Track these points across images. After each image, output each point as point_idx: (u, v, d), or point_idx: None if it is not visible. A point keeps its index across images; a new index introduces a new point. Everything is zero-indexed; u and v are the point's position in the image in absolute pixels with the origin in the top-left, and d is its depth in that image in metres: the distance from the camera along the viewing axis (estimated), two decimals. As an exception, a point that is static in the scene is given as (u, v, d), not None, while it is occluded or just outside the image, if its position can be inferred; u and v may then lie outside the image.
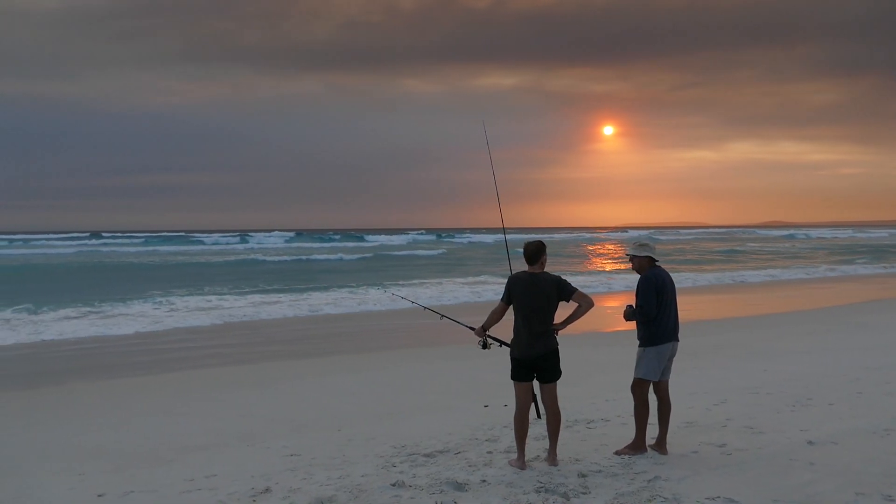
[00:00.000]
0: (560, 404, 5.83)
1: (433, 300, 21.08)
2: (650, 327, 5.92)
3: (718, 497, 4.87)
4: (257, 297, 23.19)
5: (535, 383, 5.87)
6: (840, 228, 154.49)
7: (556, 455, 5.77)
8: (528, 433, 5.88)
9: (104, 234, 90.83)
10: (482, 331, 6.09)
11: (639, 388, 6.01)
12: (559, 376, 5.79)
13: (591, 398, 8.34)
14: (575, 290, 5.74)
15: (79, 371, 12.12)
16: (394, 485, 5.38)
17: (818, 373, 9.45)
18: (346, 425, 7.76)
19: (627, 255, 6.21)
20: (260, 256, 50.68)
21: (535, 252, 5.77)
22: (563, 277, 5.81)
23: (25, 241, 73.64)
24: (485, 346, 6.22)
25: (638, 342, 6.04)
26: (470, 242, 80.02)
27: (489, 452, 6.22)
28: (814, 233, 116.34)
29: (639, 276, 6.06)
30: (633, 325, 6.10)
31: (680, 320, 6.10)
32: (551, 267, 5.83)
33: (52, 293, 23.66)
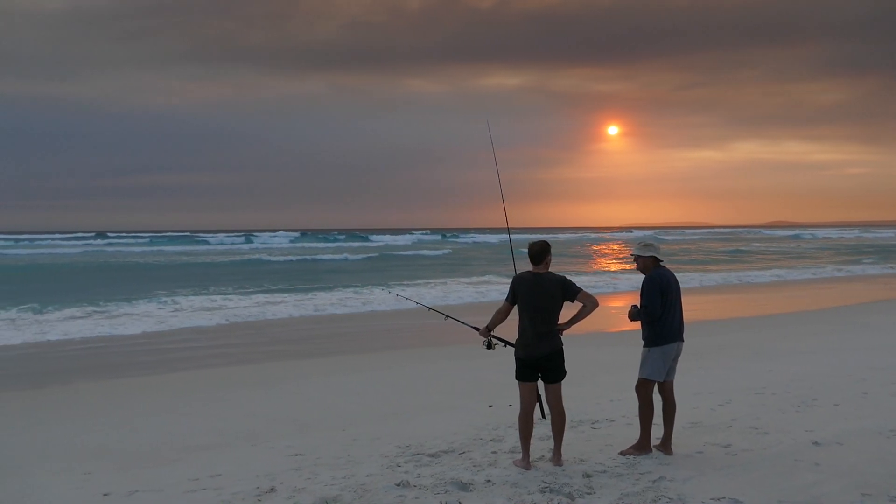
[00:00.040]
0: (565, 404, 5.83)
1: (438, 300, 21.10)
2: (655, 327, 5.91)
3: (723, 498, 4.86)
4: (262, 297, 23.23)
5: (540, 383, 5.87)
6: (846, 228, 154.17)
7: (560, 455, 5.77)
8: (533, 433, 5.87)
9: (109, 234, 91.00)
10: (487, 331, 6.09)
11: (643, 388, 6.00)
12: (564, 376, 5.79)
13: (596, 398, 8.33)
14: (580, 290, 5.73)
15: (84, 371, 12.16)
16: (398, 485, 5.38)
17: (823, 373, 9.41)
18: (351, 425, 7.77)
19: (632, 255, 6.20)
20: (265, 256, 50.72)
21: (539, 252, 5.76)
22: (568, 277, 5.81)
23: (31, 240, 73.81)
24: (489, 346, 6.23)
25: (643, 342, 6.03)
26: (474, 242, 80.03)
27: (494, 452, 6.22)
28: (820, 233, 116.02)
29: (643, 276, 6.05)
30: (637, 325, 6.09)
31: (685, 320, 6.09)
32: (556, 267, 5.82)
33: (58, 293, 23.72)
